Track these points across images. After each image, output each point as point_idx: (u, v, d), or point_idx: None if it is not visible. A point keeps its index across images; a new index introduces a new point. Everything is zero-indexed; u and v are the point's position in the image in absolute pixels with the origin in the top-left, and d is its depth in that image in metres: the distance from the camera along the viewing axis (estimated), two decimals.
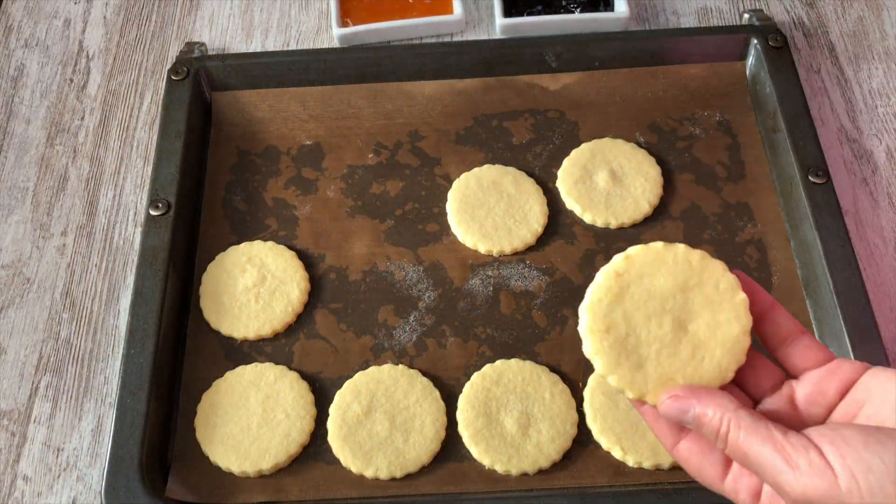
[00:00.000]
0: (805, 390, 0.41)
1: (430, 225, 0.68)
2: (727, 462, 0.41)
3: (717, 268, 0.42)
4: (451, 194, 0.68)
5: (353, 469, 0.58)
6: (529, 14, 0.77)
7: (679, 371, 0.41)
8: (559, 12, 0.77)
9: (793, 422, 0.41)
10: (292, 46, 0.79)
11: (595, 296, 0.42)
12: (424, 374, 0.61)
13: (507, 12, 0.77)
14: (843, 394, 0.41)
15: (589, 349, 0.42)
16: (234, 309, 0.63)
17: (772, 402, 0.42)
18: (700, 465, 0.42)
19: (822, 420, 0.41)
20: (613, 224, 0.67)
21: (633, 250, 0.43)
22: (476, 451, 0.58)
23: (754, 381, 0.43)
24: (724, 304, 0.42)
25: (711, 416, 0.38)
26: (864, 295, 0.60)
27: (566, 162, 0.70)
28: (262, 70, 0.73)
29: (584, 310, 0.43)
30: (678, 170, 0.70)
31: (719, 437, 0.38)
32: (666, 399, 0.40)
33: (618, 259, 0.43)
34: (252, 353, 0.63)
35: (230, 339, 0.63)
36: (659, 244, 0.43)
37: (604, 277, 0.43)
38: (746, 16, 0.76)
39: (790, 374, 0.43)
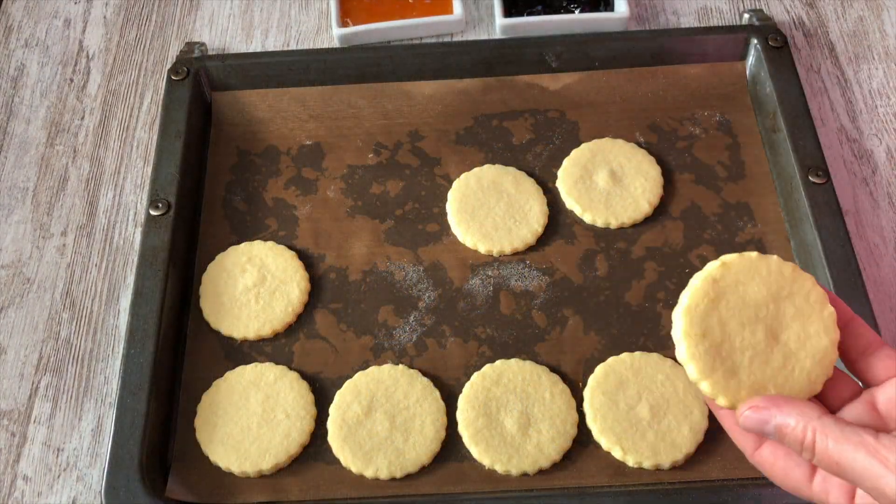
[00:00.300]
0: (887, 395, 0.40)
1: (430, 225, 0.68)
2: (814, 465, 0.40)
3: (808, 280, 0.43)
4: (451, 194, 0.68)
5: (353, 469, 0.58)
6: (529, 14, 0.77)
7: (771, 380, 0.41)
8: (559, 12, 0.77)
9: (876, 427, 0.39)
10: (292, 46, 0.79)
11: (692, 300, 0.42)
12: (424, 374, 0.61)
13: (507, 12, 0.77)
14: None
15: (683, 354, 0.42)
16: (234, 309, 0.64)
17: (852, 410, 0.41)
18: (785, 469, 0.40)
19: None
20: (613, 224, 0.67)
21: (729, 258, 0.43)
22: (476, 451, 0.58)
23: (833, 393, 0.42)
24: (814, 316, 0.42)
25: (794, 426, 0.37)
26: (864, 295, 0.60)
27: (566, 162, 0.70)
28: (262, 70, 0.73)
29: (679, 314, 0.42)
30: (678, 170, 0.70)
31: (805, 447, 0.37)
32: (745, 411, 0.39)
33: (714, 265, 0.43)
34: (252, 353, 0.63)
35: (230, 339, 0.63)
36: (753, 254, 0.43)
37: (700, 282, 0.43)
38: (746, 16, 0.76)
39: (870, 386, 0.42)
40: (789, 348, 0.42)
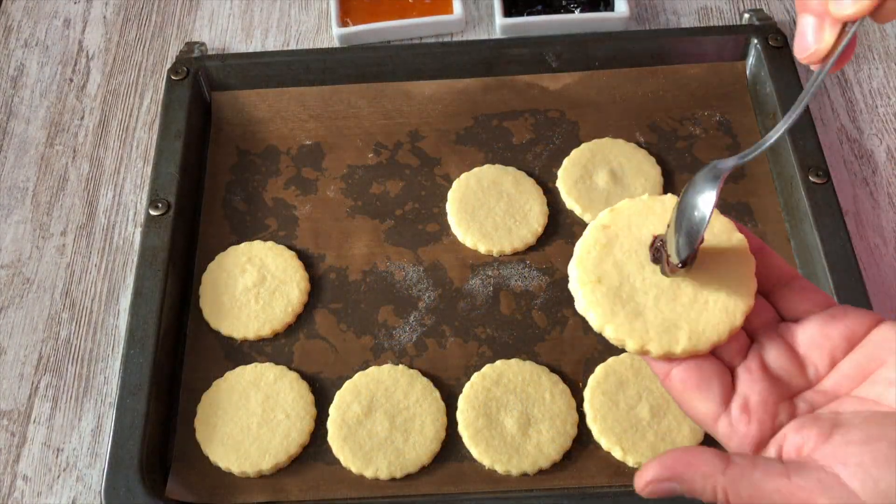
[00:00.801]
0: (807, 334, 0.38)
1: (430, 225, 0.68)
2: (725, 400, 0.37)
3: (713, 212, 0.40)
4: (451, 194, 0.68)
5: (353, 469, 0.57)
6: (529, 14, 0.77)
7: (682, 316, 0.38)
8: (559, 12, 0.77)
9: (795, 375, 0.38)
10: (292, 46, 0.79)
11: (583, 249, 0.40)
12: (424, 374, 0.61)
13: (507, 12, 0.77)
14: (850, 343, 0.37)
15: (582, 303, 0.39)
16: (234, 309, 0.63)
17: (773, 351, 0.38)
18: (695, 400, 0.38)
19: (826, 371, 0.38)
20: None
21: (620, 204, 0.41)
22: (476, 451, 0.58)
23: (748, 318, 0.39)
24: (723, 245, 0.39)
25: (702, 491, 0.35)
26: (864, 295, 0.60)
27: (566, 162, 0.70)
28: (262, 70, 0.73)
29: (572, 265, 0.40)
30: (678, 170, 0.70)
31: None
32: (643, 486, 0.35)
33: (603, 213, 0.41)
34: (252, 354, 0.63)
35: (230, 340, 0.63)
36: (645, 196, 0.41)
37: (590, 231, 0.40)
38: (746, 15, 0.76)
39: (786, 319, 0.40)
40: (699, 282, 0.38)
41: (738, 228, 0.40)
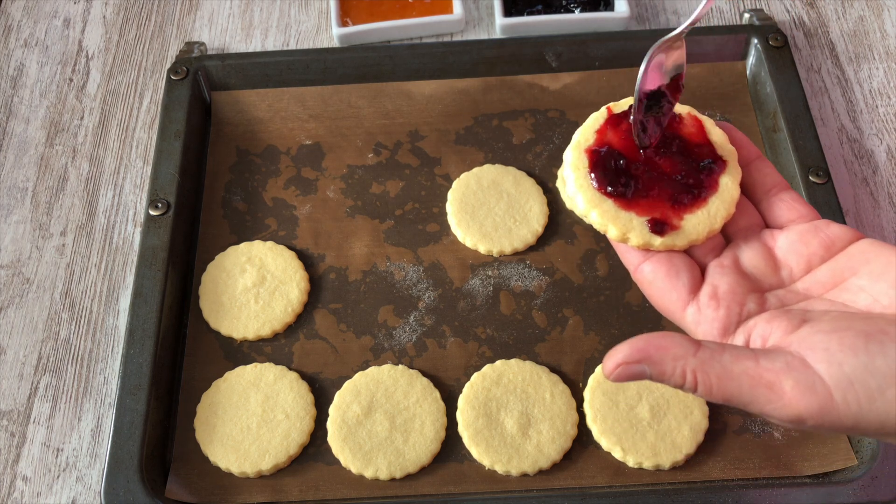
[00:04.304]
0: (787, 239, 0.39)
1: (430, 225, 0.68)
2: (694, 290, 0.38)
3: (707, 120, 0.42)
4: (451, 194, 0.68)
5: (353, 469, 0.57)
6: (529, 14, 0.77)
7: (668, 211, 0.40)
8: (559, 12, 0.77)
9: (768, 274, 0.39)
10: (292, 46, 0.79)
11: (581, 136, 0.41)
12: (424, 374, 0.61)
13: (507, 12, 0.77)
14: (829, 252, 0.38)
15: (572, 186, 0.40)
16: (234, 309, 0.63)
17: (749, 252, 0.40)
18: (663, 290, 0.39)
19: (801, 275, 0.39)
20: None
21: (623, 101, 0.42)
22: (476, 451, 0.58)
23: (731, 220, 0.41)
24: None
25: (671, 374, 0.35)
26: None
27: None
28: (262, 70, 0.73)
29: (568, 150, 0.41)
30: None
31: (687, 387, 0.35)
32: (612, 368, 0.36)
33: (604, 107, 0.42)
34: (252, 354, 0.63)
35: (230, 340, 0.63)
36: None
37: (591, 120, 0.42)
38: (747, 15, 0.76)
39: (770, 227, 0.41)
40: (688, 184, 0.40)
41: (732, 138, 0.41)
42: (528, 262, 0.66)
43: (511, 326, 0.63)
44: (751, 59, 0.73)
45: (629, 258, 0.40)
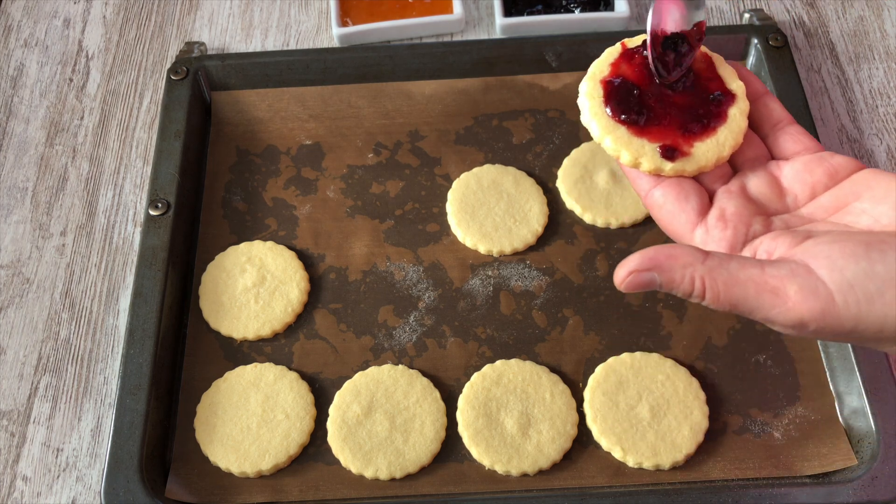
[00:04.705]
0: (793, 169, 0.41)
1: (430, 225, 0.68)
2: (702, 213, 0.40)
3: (717, 58, 0.44)
4: (451, 194, 0.68)
5: (353, 469, 0.57)
6: (529, 14, 0.77)
7: (678, 139, 0.41)
8: (559, 12, 0.77)
9: (774, 200, 0.41)
10: (292, 46, 0.79)
11: (596, 67, 0.43)
12: (424, 374, 0.61)
13: (507, 12, 0.77)
14: (832, 180, 0.40)
15: (587, 114, 0.43)
16: (234, 309, 0.63)
17: (755, 180, 0.41)
18: (672, 213, 0.41)
19: (805, 201, 0.40)
20: (613, 224, 0.67)
21: (638, 37, 0.44)
22: (476, 451, 0.58)
23: (737, 151, 0.43)
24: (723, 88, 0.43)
25: (680, 281, 0.36)
26: None
27: (566, 162, 0.69)
28: (262, 70, 0.73)
29: (584, 79, 0.44)
30: None
31: (695, 296, 0.36)
32: (623, 276, 0.37)
33: (618, 42, 0.44)
34: (252, 354, 0.63)
35: (230, 340, 0.63)
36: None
37: (605, 53, 0.44)
38: (747, 15, 0.76)
39: (777, 159, 0.43)
40: (697, 114, 0.42)
41: (740, 75, 0.43)
42: (528, 262, 0.66)
43: (511, 326, 0.63)
44: (751, 59, 0.73)
45: (640, 184, 0.42)
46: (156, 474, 0.57)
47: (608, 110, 0.42)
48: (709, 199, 0.41)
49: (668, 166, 0.41)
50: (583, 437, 0.58)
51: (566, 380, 0.61)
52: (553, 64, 0.73)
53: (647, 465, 0.56)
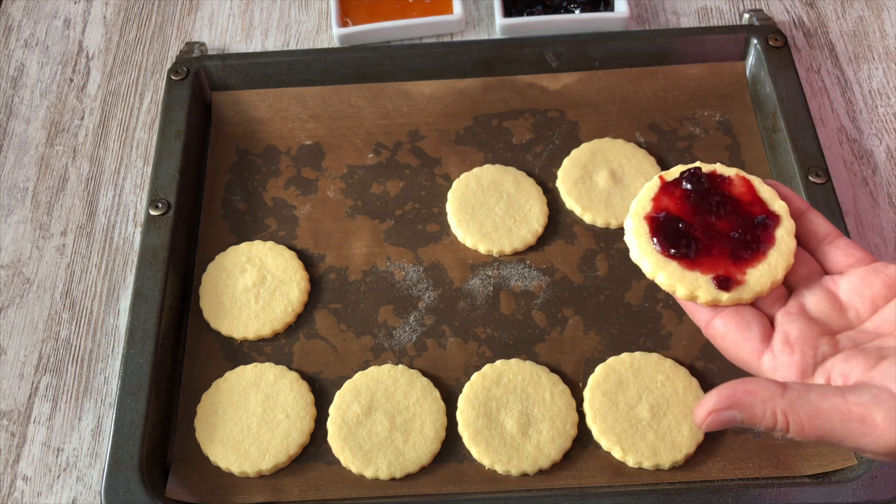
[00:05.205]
0: (849, 283, 0.41)
1: (430, 225, 0.68)
2: (766, 339, 0.40)
3: (755, 180, 0.44)
4: (451, 194, 0.68)
5: (353, 469, 0.57)
6: (529, 14, 0.77)
7: (730, 267, 0.42)
8: (559, 12, 0.77)
9: (835, 317, 0.40)
10: (292, 46, 0.79)
11: (639, 205, 0.44)
12: (424, 374, 0.61)
13: (507, 12, 0.77)
14: (892, 292, 0.39)
15: (636, 252, 0.43)
16: (234, 309, 0.63)
17: (813, 297, 0.41)
18: (736, 342, 0.40)
19: (868, 316, 0.40)
20: (613, 224, 0.67)
21: (674, 169, 0.45)
22: (476, 451, 0.58)
23: (791, 271, 0.42)
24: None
25: (762, 416, 0.36)
26: None
27: (566, 162, 0.70)
28: (262, 70, 0.73)
29: (628, 217, 0.44)
30: None
31: (779, 430, 0.36)
32: (704, 416, 0.37)
33: (655, 176, 0.45)
34: (252, 354, 0.63)
35: (230, 340, 0.63)
36: (698, 162, 0.45)
37: (646, 190, 0.45)
38: (746, 16, 0.76)
39: (829, 273, 0.42)
40: (745, 241, 0.43)
41: (781, 195, 0.44)
42: (528, 262, 0.66)
43: (511, 326, 0.63)
44: (750, 60, 0.73)
45: (699, 316, 0.42)
46: (156, 474, 0.57)
47: (657, 246, 0.43)
48: (770, 323, 0.41)
49: (725, 296, 0.41)
50: (583, 437, 0.58)
51: (566, 380, 0.61)
52: (553, 64, 0.73)
53: (647, 464, 0.57)
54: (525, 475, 0.57)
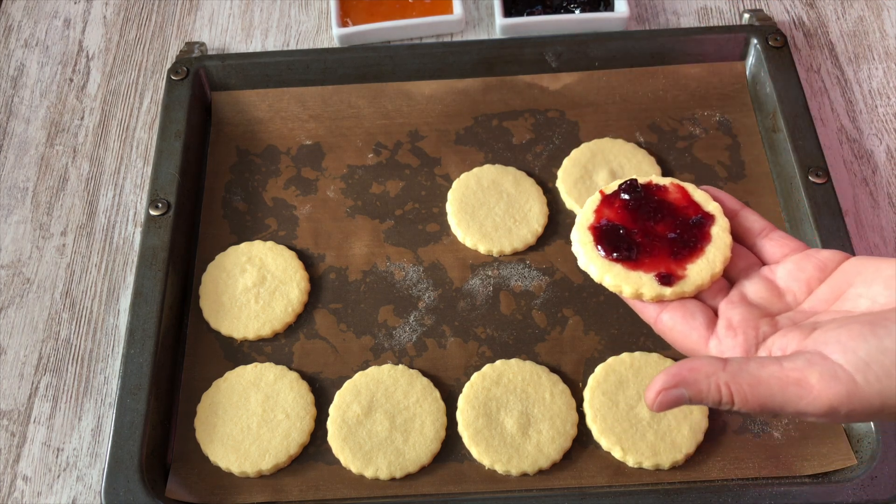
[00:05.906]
0: (785, 269, 0.43)
1: (430, 225, 0.68)
2: (710, 326, 0.42)
3: (689, 187, 0.47)
4: (451, 194, 0.68)
5: (353, 469, 0.58)
6: (529, 14, 0.77)
7: (671, 264, 0.44)
8: (559, 12, 0.77)
9: (774, 302, 0.42)
10: (292, 46, 0.79)
11: (584, 217, 0.47)
12: (424, 374, 0.61)
13: (507, 12, 0.77)
14: (823, 273, 0.42)
15: (583, 260, 0.45)
16: (234, 309, 0.63)
17: (752, 286, 0.43)
18: (684, 332, 0.42)
19: (804, 297, 0.42)
20: None
21: (613, 183, 0.48)
22: (476, 451, 0.58)
23: (730, 265, 0.45)
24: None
25: (707, 391, 0.38)
26: None
27: (566, 162, 0.70)
28: (262, 70, 0.73)
29: (574, 230, 0.47)
30: (678, 170, 0.70)
31: (724, 402, 0.37)
32: (653, 397, 0.38)
33: (597, 191, 0.48)
34: (252, 354, 0.63)
35: (230, 340, 0.63)
36: (634, 177, 0.48)
37: (590, 202, 0.47)
38: (746, 16, 0.76)
39: (767, 264, 0.45)
40: (683, 240, 0.45)
41: (713, 197, 0.47)
42: (527, 262, 0.66)
43: (511, 326, 0.63)
44: (750, 60, 0.73)
45: (647, 313, 0.44)
46: (156, 474, 0.57)
47: (601, 252, 0.45)
48: (714, 313, 0.43)
49: (668, 291, 0.43)
50: (583, 437, 0.58)
51: (566, 379, 0.61)
52: (553, 64, 0.73)
53: (647, 464, 0.57)
54: (525, 475, 0.57)
